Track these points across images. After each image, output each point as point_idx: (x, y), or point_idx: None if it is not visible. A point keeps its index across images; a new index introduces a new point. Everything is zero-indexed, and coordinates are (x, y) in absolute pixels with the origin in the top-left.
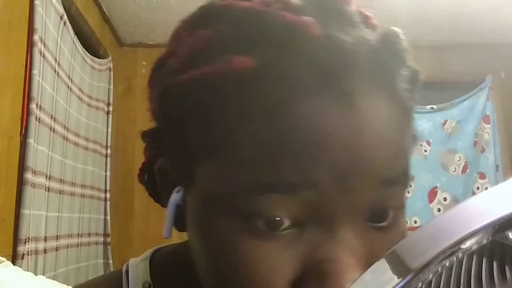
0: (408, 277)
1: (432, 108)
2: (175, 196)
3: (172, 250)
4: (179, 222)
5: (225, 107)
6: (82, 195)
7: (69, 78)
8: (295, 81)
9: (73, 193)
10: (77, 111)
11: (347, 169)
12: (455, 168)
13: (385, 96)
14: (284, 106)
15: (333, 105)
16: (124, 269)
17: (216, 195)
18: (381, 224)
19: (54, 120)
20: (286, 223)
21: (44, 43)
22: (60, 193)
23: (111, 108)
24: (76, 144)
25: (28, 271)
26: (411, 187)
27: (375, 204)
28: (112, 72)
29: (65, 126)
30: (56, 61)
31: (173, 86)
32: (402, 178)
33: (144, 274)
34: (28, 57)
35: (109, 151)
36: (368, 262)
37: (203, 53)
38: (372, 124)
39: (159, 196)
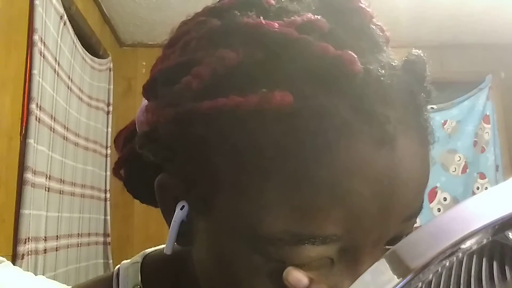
0: (408, 277)
1: (432, 108)
2: (180, 214)
3: (162, 255)
4: (182, 238)
5: (257, 144)
6: (82, 195)
7: (69, 78)
8: (337, 120)
9: (73, 193)
10: (77, 111)
11: (383, 214)
12: (455, 168)
13: (416, 134)
14: (325, 147)
15: (376, 148)
16: (115, 272)
17: (243, 233)
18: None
19: (54, 120)
20: (315, 263)
21: (44, 43)
22: (60, 193)
23: (111, 108)
24: (76, 144)
25: (28, 271)
26: None
27: (396, 236)
28: (112, 72)
29: (65, 126)
30: (56, 61)
31: (197, 112)
32: (420, 210)
33: (135, 277)
34: (28, 57)
35: (109, 151)
36: None
37: (230, 79)
38: (409, 166)
39: (136, 188)
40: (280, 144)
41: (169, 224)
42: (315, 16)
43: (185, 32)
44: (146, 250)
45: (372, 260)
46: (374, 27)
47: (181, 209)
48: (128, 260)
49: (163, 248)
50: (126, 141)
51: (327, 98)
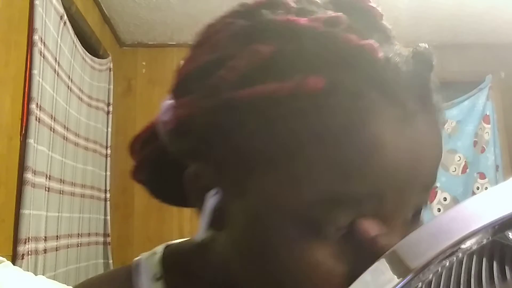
0: (408, 277)
1: None
2: (213, 199)
3: (184, 245)
4: (214, 223)
5: (293, 126)
6: (82, 195)
7: (69, 78)
8: (365, 101)
9: (73, 193)
10: (77, 111)
11: (406, 181)
12: (455, 168)
13: (431, 113)
14: (357, 124)
15: (398, 124)
16: (135, 263)
17: (281, 205)
18: (415, 219)
19: (54, 120)
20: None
21: (44, 43)
22: (60, 193)
23: (111, 108)
24: (76, 144)
25: (28, 271)
26: None
27: (417, 206)
28: (112, 72)
29: (65, 126)
30: (56, 61)
31: (235, 100)
32: (434, 182)
33: (156, 266)
34: (28, 57)
35: (109, 151)
36: None
37: (265, 69)
38: (428, 140)
39: (160, 189)
40: (315, 122)
41: (198, 206)
42: (336, 13)
43: (213, 32)
44: (167, 243)
45: (401, 228)
46: (384, 23)
47: (215, 195)
48: (148, 252)
49: (184, 240)
50: (144, 144)
51: (354, 81)
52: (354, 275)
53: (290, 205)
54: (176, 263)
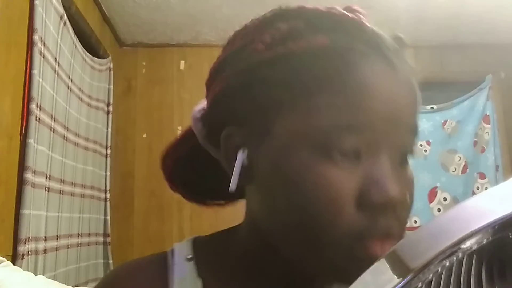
0: (408, 277)
1: (432, 108)
2: (242, 155)
3: (210, 235)
4: (243, 178)
5: (307, 75)
6: (82, 195)
7: (69, 78)
8: (359, 53)
9: (73, 193)
10: (77, 111)
11: (392, 114)
12: (455, 168)
13: (407, 64)
14: (352, 71)
15: (382, 69)
16: (170, 249)
17: (297, 137)
18: (403, 165)
19: (54, 120)
20: (351, 154)
21: (44, 43)
22: (60, 193)
23: (111, 108)
24: (76, 144)
25: (28, 271)
26: None
27: (404, 148)
28: (112, 72)
29: (65, 126)
30: (56, 61)
31: (263, 60)
32: (418, 129)
33: (188, 249)
34: (28, 57)
35: (109, 151)
36: (398, 180)
37: (285, 37)
38: (407, 82)
39: (199, 192)
40: (323, 70)
41: (231, 168)
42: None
43: (238, 32)
44: (196, 236)
45: (389, 161)
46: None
47: (243, 152)
48: (181, 242)
49: (211, 233)
50: (175, 152)
51: (350, 41)
52: (361, 195)
53: (306, 135)
54: (205, 246)
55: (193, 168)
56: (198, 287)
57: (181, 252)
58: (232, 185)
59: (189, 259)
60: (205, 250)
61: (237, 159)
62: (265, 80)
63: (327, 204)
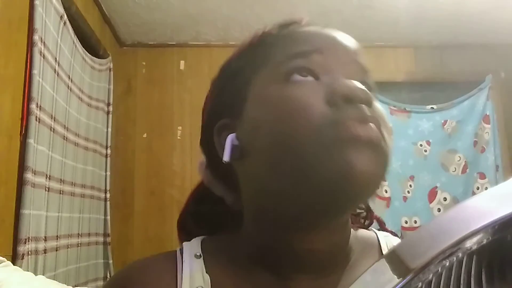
0: (408, 277)
1: (432, 108)
2: (231, 137)
3: (217, 235)
4: (234, 155)
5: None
6: (82, 195)
7: (69, 78)
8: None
9: (73, 193)
10: (77, 111)
11: (333, 43)
12: (455, 168)
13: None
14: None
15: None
16: (179, 248)
17: (264, 83)
18: None
19: (54, 120)
20: (309, 75)
21: (44, 43)
22: (60, 193)
23: (111, 108)
24: (76, 144)
25: (28, 271)
26: (411, 187)
27: (356, 76)
28: (112, 72)
29: (65, 126)
30: (56, 61)
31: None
32: (364, 65)
33: (197, 247)
34: (28, 57)
35: (109, 151)
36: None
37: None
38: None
39: (207, 226)
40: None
41: (222, 151)
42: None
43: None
44: (203, 236)
45: (344, 73)
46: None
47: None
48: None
49: (218, 234)
50: (194, 197)
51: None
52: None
53: (270, 73)
54: (212, 245)
55: (204, 212)
56: (206, 282)
57: (190, 249)
58: (225, 157)
59: (198, 256)
60: (213, 248)
61: (227, 140)
62: (234, 85)
63: (302, 112)
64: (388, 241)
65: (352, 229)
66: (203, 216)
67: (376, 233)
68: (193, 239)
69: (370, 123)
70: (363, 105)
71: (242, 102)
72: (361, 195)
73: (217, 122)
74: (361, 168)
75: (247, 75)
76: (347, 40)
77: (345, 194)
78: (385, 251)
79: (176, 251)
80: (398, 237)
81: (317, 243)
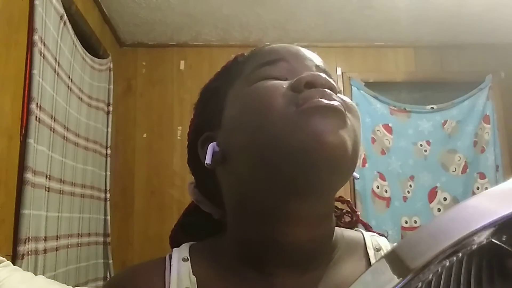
0: (408, 277)
1: (432, 108)
2: (212, 145)
3: (205, 240)
4: (216, 160)
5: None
6: (82, 195)
7: (69, 78)
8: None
9: (73, 193)
10: (77, 111)
11: (295, 53)
12: (455, 168)
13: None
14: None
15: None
16: (168, 254)
17: (244, 86)
18: None
19: (54, 120)
20: (278, 79)
21: (44, 43)
22: (60, 193)
23: (111, 108)
24: (76, 144)
25: (28, 271)
26: (411, 187)
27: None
28: (112, 72)
29: (65, 126)
30: (56, 61)
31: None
32: (325, 68)
33: (185, 252)
34: (28, 57)
35: (109, 151)
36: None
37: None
38: (305, 50)
39: (198, 236)
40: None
41: (204, 159)
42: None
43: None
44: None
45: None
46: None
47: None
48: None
49: (206, 239)
50: (185, 214)
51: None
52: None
53: (245, 79)
54: (200, 249)
55: (192, 223)
56: (193, 284)
57: (178, 254)
58: (207, 160)
59: (185, 259)
60: (200, 252)
61: (209, 147)
62: (216, 105)
63: (268, 99)
64: (373, 240)
65: (337, 228)
66: (191, 226)
67: (362, 233)
68: (182, 245)
69: (334, 100)
70: (327, 89)
71: (220, 113)
72: (334, 166)
73: (200, 135)
74: (327, 132)
75: (223, 90)
76: (309, 51)
77: (319, 163)
78: (370, 249)
79: (165, 257)
80: (385, 237)
81: (299, 235)
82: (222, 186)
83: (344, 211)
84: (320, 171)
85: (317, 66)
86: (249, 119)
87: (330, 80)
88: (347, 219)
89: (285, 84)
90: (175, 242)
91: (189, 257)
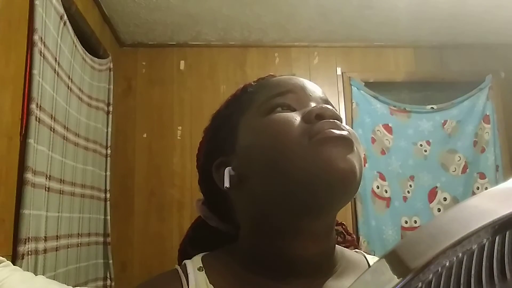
0: (408, 277)
1: (432, 108)
2: (228, 170)
3: (215, 250)
4: (232, 184)
5: (235, 114)
6: (82, 195)
7: (69, 78)
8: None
9: (73, 193)
10: (77, 111)
11: (302, 86)
12: (455, 168)
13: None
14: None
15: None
16: (177, 266)
17: (257, 116)
18: None
19: (54, 120)
20: (287, 108)
21: (44, 43)
22: (60, 193)
23: (111, 108)
24: (76, 144)
25: (28, 271)
26: (411, 187)
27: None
28: (112, 72)
29: (65, 126)
30: (56, 61)
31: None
32: (327, 99)
33: (197, 262)
34: (28, 57)
35: (109, 151)
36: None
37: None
38: (311, 83)
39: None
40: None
41: (222, 185)
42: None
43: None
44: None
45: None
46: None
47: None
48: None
49: (215, 250)
50: (192, 228)
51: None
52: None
53: (257, 110)
54: (212, 259)
55: (200, 237)
56: None
57: (193, 264)
58: (226, 183)
59: (200, 269)
60: (212, 262)
61: (225, 172)
62: (226, 133)
63: (285, 128)
64: (375, 260)
65: (338, 246)
66: (199, 240)
67: (364, 255)
68: (194, 256)
69: (342, 129)
70: (334, 120)
71: (233, 140)
72: (346, 187)
73: (214, 161)
74: (340, 159)
75: (235, 118)
76: (312, 84)
77: (332, 186)
78: None
79: (175, 268)
80: None
81: (308, 249)
82: (235, 205)
83: (338, 229)
84: (332, 193)
85: (321, 98)
86: (267, 147)
87: (336, 112)
88: (339, 239)
89: (297, 116)
90: (185, 256)
91: (203, 267)
